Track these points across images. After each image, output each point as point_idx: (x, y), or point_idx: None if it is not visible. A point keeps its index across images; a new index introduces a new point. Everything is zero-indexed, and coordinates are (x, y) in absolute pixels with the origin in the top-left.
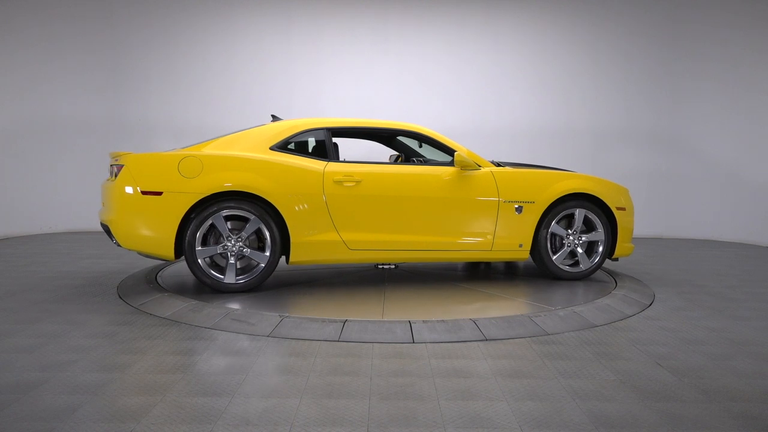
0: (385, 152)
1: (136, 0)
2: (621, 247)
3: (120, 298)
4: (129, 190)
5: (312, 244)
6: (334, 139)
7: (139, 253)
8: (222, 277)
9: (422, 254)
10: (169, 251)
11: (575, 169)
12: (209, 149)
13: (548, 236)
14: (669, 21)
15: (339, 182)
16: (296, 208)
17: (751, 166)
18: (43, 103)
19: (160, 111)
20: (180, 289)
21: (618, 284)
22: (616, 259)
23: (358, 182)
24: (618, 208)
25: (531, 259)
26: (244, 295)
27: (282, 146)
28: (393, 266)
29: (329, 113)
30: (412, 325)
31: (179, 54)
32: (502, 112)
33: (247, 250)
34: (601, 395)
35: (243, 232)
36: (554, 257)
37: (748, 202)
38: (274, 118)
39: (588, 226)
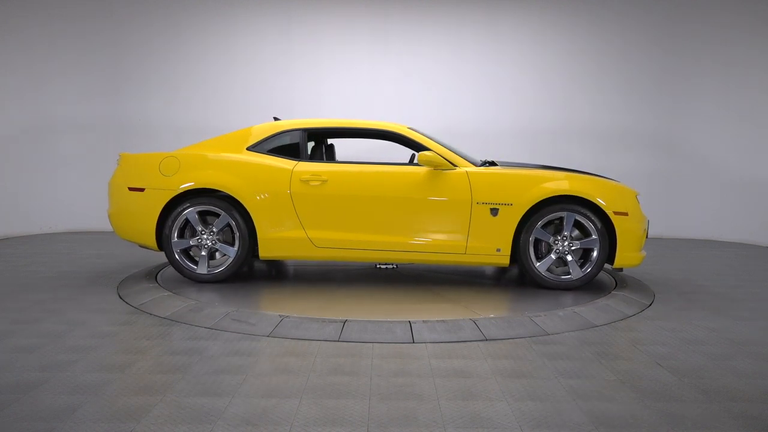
0: (392, 151)
1: (136, 0)
2: (623, 256)
3: (120, 298)
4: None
5: (279, 240)
6: (332, 140)
7: (138, 245)
8: (195, 267)
9: (390, 255)
10: (152, 242)
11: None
12: (195, 150)
13: (531, 241)
14: (670, 21)
15: (306, 181)
16: (263, 205)
17: (752, 167)
18: (43, 104)
19: (160, 111)
20: (180, 289)
21: (618, 284)
22: (620, 270)
23: (324, 182)
24: (617, 213)
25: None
26: (244, 295)
27: (259, 147)
28: (393, 266)
29: (329, 113)
30: (412, 325)
31: (180, 54)
32: (502, 112)
33: (217, 244)
34: (601, 395)
35: (213, 227)
36: (538, 264)
37: (748, 202)
38: (276, 120)
39: (584, 232)
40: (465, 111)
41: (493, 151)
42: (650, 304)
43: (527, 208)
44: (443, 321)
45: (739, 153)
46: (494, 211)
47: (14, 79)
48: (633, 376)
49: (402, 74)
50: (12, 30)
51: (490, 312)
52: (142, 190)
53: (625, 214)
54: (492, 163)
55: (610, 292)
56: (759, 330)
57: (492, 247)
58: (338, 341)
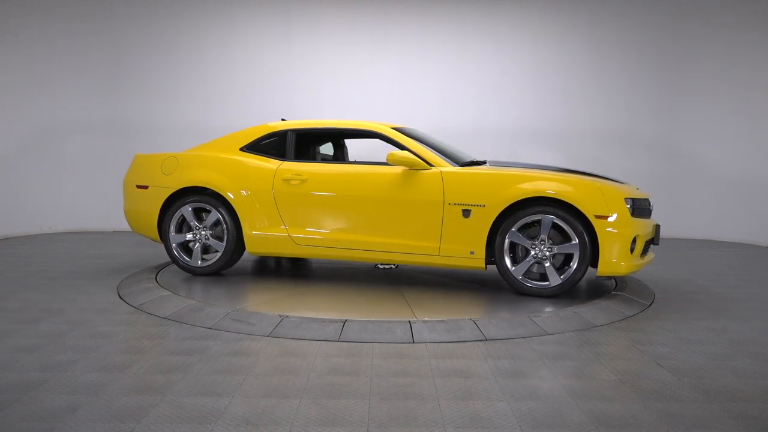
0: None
1: (136, 0)
2: (607, 263)
3: (120, 298)
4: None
5: (263, 237)
6: (327, 142)
7: (150, 239)
8: (190, 260)
9: (367, 254)
10: (156, 236)
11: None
12: (196, 150)
13: (506, 245)
14: (670, 21)
15: (287, 180)
16: (248, 203)
17: (752, 167)
18: (44, 104)
19: (160, 111)
20: (180, 289)
21: (618, 284)
22: (609, 279)
23: (303, 181)
24: (598, 216)
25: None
26: (244, 295)
27: (250, 147)
28: (393, 266)
29: (329, 113)
30: (412, 325)
31: (180, 54)
32: (502, 112)
33: (210, 239)
34: (601, 395)
35: (205, 222)
36: (513, 269)
37: (748, 202)
38: (283, 120)
39: (566, 236)
40: (464, 110)
41: (493, 151)
42: (650, 305)
43: (500, 210)
44: (443, 321)
45: (738, 153)
46: (466, 213)
47: (14, 79)
48: (633, 376)
49: (402, 74)
50: (12, 31)
51: (490, 311)
52: (146, 187)
53: (609, 217)
54: (481, 163)
55: (610, 292)
56: (759, 330)
57: (465, 249)
58: (338, 341)
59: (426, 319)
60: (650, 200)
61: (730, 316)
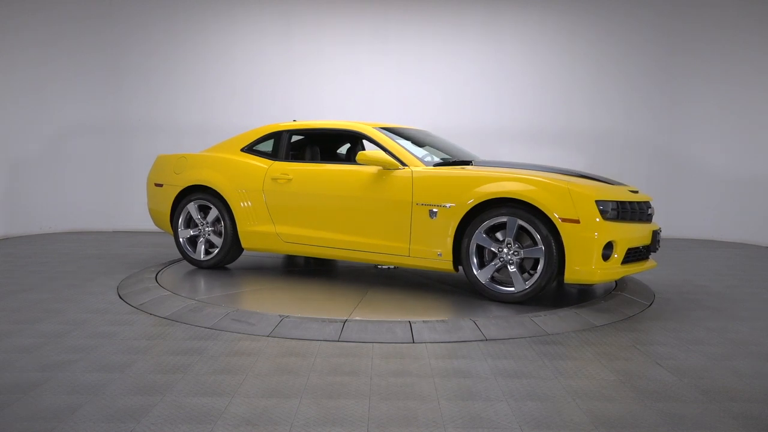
0: None
1: (136, 0)
2: (574, 270)
3: (120, 298)
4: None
5: (255, 234)
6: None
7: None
8: (194, 253)
9: (344, 253)
10: (169, 229)
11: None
12: (206, 151)
13: (472, 247)
14: (671, 21)
15: (275, 179)
16: (241, 201)
17: (752, 166)
18: (44, 104)
19: (161, 112)
20: (180, 289)
21: (618, 284)
22: (586, 287)
23: (289, 180)
24: (565, 220)
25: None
26: (244, 295)
27: (249, 148)
28: (392, 267)
29: (329, 113)
30: (412, 325)
31: (180, 54)
32: (502, 112)
33: (211, 236)
34: (601, 395)
35: (207, 219)
36: (477, 273)
37: (748, 202)
38: (294, 122)
39: (534, 240)
40: (464, 110)
41: (492, 150)
42: (650, 305)
43: (465, 211)
44: (443, 321)
45: (739, 153)
46: (432, 213)
47: (14, 79)
48: (633, 376)
49: (402, 74)
50: (13, 31)
51: (490, 311)
52: (161, 185)
53: (576, 221)
54: (467, 163)
55: (610, 293)
56: (759, 330)
57: (433, 251)
58: (338, 341)
59: (426, 319)
60: (650, 203)
61: (730, 316)
